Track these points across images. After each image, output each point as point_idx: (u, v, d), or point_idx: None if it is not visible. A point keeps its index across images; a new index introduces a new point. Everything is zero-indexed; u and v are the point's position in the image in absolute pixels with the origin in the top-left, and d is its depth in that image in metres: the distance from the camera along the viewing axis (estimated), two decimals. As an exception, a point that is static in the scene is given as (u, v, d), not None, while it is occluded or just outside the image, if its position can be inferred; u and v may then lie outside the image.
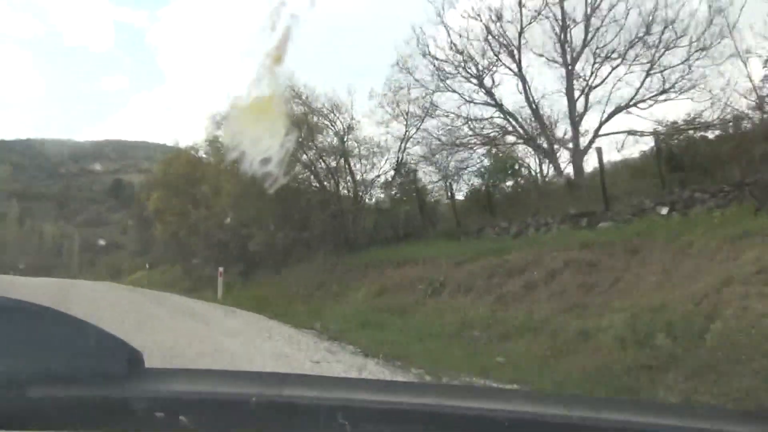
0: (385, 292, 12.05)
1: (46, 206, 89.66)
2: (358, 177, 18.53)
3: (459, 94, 17.27)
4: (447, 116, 17.56)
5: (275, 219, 17.59)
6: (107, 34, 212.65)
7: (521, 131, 17.13)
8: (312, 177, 18.40)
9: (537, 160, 17.77)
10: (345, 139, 18.01)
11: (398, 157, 18.47)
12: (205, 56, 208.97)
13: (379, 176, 18.92)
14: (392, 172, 18.68)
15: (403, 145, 18.34)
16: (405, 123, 18.09)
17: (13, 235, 60.30)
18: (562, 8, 15.77)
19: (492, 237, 13.24)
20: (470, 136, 17.60)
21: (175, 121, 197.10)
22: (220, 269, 17.71)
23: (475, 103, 17.31)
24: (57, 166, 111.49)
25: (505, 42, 16.41)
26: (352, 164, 18.32)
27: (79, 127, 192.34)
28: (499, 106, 17.13)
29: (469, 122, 17.48)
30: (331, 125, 18.18)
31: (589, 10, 15.54)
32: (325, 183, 18.45)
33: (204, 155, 24.06)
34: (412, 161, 18.65)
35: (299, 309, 12.64)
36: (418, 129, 18.13)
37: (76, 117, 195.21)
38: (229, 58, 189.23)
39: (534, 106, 16.70)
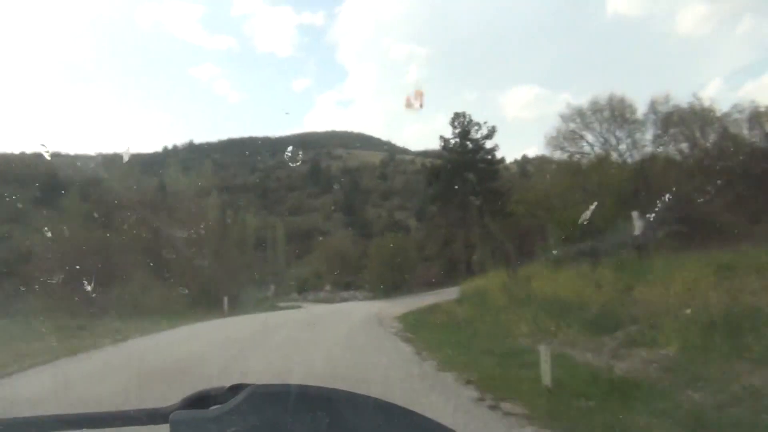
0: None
1: (249, 197, 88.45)
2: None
3: None
4: None
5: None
6: (292, 38, 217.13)
7: None
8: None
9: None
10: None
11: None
12: (380, 47, 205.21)
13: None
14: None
15: None
16: None
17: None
18: None
19: None
20: None
21: (360, 112, 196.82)
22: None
23: None
24: (256, 162, 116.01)
25: None
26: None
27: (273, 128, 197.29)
28: None
29: None
30: None
31: None
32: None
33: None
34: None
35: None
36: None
37: (271, 118, 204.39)
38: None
39: None
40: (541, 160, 48.12)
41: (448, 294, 29.99)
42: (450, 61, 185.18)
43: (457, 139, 51.25)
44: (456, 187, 51.28)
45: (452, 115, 51.28)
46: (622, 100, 31.69)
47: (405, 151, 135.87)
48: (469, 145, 51.10)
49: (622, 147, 31.65)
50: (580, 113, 33.77)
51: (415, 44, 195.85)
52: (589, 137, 33.19)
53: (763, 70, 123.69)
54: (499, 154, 51.46)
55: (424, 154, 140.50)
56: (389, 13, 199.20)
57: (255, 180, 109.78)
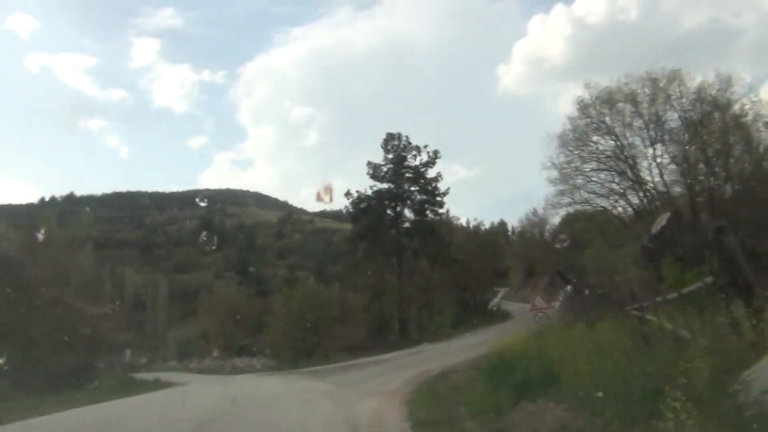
0: None
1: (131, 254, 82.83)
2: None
3: None
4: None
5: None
6: (190, 95, 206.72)
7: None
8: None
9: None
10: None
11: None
12: (280, 110, 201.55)
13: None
14: None
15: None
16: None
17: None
18: None
19: None
20: None
21: (257, 172, 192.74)
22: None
23: None
24: (142, 216, 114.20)
25: None
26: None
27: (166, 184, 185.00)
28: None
29: None
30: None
31: None
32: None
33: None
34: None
35: None
36: None
37: (164, 174, 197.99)
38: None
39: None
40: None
41: (388, 368, 22.73)
42: (348, 126, 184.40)
43: (390, 166, 41.08)
44: (388, 224, 40.87)
45: (384, 137, 41.28)
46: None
47: (302, 211, 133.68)
48: (407, 174, 41.11)
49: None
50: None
51: (315, 108, 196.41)
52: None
53: None
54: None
55: (322, 214, 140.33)
56: (290, 77, 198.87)
57: (140, 235, 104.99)
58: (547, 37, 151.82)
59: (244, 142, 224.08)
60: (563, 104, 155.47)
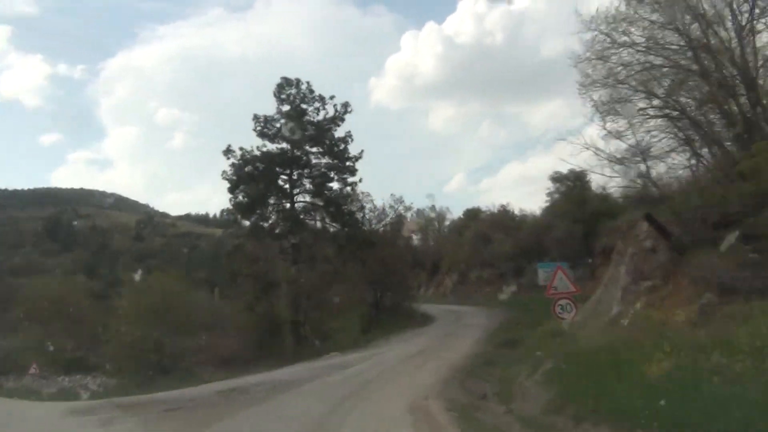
0: None
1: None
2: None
3: None
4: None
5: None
6: (42, 89, 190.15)
7: None
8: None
9: None
10: None
11: None
12: (145, 110, 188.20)
13: None
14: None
15: None
16: None
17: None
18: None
19: None
20: None
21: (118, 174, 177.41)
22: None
23: None
24: None
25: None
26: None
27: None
28: None
29: None
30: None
31: None
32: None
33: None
34: None
35: None
36: None
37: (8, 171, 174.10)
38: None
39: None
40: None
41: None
42: (218, 131, 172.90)
43: (285, 121, 31.21)
44: (281, 195, 30.96)
45: (278, 82, 31.44)
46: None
47: (165, 215, 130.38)
48: (307, 132, 31.44)
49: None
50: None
51: (183, 110, 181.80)
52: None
53: (498, 168, 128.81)
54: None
55: (187, 218, 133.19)
56: (156, 76, 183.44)
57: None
58: (419, 53, 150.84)
59: (102, 142, 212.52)
60: (434, 121, 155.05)
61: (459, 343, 21.33)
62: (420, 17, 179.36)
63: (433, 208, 55.88)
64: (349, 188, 30.59)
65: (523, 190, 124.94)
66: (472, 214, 54.10)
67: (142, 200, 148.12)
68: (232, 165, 30.30)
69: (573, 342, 12.09)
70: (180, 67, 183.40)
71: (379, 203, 33.72)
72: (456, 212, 60.38)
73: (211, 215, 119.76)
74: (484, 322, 27.29)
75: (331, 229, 31.43)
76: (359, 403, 11.23)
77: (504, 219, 46.31)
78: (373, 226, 33.28)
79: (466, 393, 11.80)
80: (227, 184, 30.02)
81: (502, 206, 47.93)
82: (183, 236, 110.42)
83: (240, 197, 30.20)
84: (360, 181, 30.91)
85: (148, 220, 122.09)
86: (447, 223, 56.59)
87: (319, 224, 31.46)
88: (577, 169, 27.13)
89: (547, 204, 35.61)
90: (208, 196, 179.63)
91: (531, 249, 36.40)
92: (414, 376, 14.42)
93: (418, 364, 16.92)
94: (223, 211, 29.17)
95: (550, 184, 29.58)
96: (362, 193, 32.30)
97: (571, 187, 25.88)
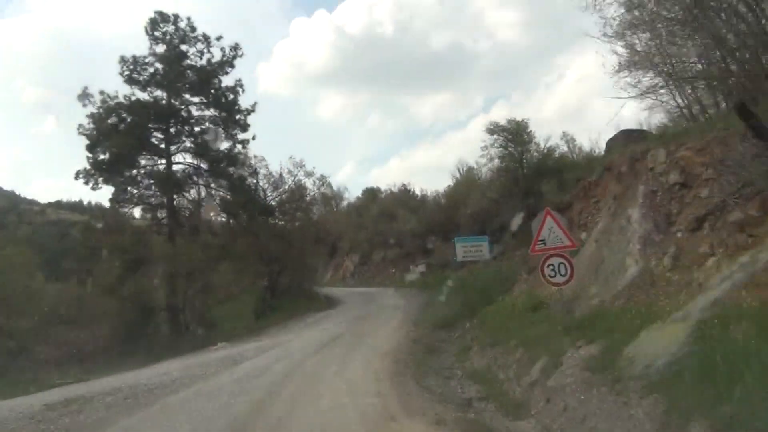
0: None
1: None
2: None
3: None
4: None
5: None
6: None
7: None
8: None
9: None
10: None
11: None
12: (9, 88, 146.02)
13: None
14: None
15: None
16: None
17: None
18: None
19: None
20: None
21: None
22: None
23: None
24: None
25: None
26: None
27: None
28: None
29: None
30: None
31: None
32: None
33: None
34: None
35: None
36: None
37: None
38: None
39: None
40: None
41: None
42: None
43: (160, 65, 25.58)
44: (154, 153, 25.52)
45: (151, 17, 25.73)
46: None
47: (33, 202, 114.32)
48: (189, 74, 26.02)
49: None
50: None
51: (55, 91, 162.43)
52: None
53: (386, 159, 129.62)
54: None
55: (58, 204, 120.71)
56: (23, 52, 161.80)
57: None
58: (309, 41, 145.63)
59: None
60: (323, 109, 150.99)
61: (381, 327, 17.31)
62: (310, 5, 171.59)
63: (329, 185, 51.72)
64: (240, 146, 25.51)
65: (413, 180, 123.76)
66: (372, 194, 51.02)
67: (6, 186, 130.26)
68: (91, 115, 24.22)
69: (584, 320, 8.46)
70: (52, 44, 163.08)
71: (275, 169, 28.90)
72: (353, 195, 56.48)
73: (85, 202, 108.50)
74: (401, 302, 23.61)
75: (218, 197, 26.21)
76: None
77: (406, 198, 43.99)
78: (269, 195, 28.42)
79: (437, 400, 7.80)
80: (85, 141, 23.99)
81: (404, 185, 45.43)
82: (54, 224, 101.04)
83: (101, 156, 24.23)
84: (253, 138, 25.98)
85: (12, 207, 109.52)
86: (344, 203, 52.62)
87: (203, 191, 26.13)
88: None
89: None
90: (79, 184, 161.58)
91: (439, 224, 33.51)
92: (342, 375, 10.19)
93: (338, 355, 12.73)
94: (78, 172, 22.97)
95: (485, 136, 25.21)
96: (255, 156, 27.36)
97: (510, 139, 22.62)
